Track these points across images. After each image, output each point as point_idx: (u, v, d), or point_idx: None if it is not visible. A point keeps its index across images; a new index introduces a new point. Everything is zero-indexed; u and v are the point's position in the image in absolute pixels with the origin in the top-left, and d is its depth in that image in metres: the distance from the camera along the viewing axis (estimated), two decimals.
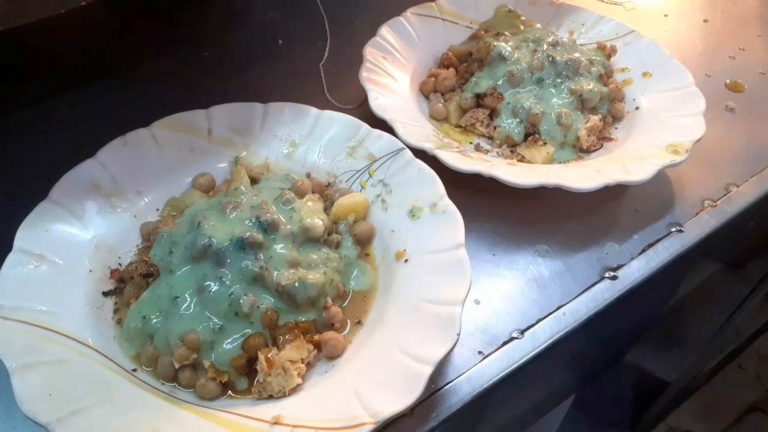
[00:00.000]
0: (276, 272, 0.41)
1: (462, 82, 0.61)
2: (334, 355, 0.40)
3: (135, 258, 0.45)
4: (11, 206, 0.45)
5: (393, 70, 0.60)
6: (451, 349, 0.38)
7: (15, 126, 0.56)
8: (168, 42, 0.66)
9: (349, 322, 0.43)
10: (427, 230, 0.45)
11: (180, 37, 0.68)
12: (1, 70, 0.57)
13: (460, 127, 0.59)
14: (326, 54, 0.66)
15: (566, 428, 0.74)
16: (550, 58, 0.58)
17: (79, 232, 0.44)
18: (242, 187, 0.46)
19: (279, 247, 0.42)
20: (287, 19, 0.73)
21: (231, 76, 0.65)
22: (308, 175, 0.51)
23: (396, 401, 0.35)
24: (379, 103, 0.55)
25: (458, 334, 0.38)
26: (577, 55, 0.60)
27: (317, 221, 0.44)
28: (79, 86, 0.59)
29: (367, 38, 0.62)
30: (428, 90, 0.61)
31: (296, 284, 0.40)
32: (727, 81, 0.67)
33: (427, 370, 0.36)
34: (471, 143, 0.57)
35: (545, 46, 0.59)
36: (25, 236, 0.42)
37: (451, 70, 0.62)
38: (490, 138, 0.57)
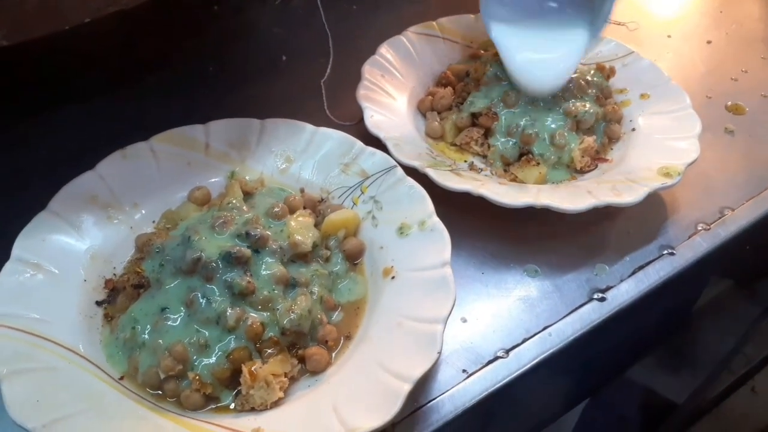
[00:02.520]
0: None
1: (459, 101, 0.61)
2: (317, 370, 0.41)
3: (127, 268, 0.46)
4: (11, 215, 0.47)
5: (391, 88, 0.61)
6: (432, 367, 0.38)
7: (17, 137, 0.57)
8: (172, 56, 0.68)
9: (342, 339, 0.43)
10: (415, 248, 0.45)
11: (184, 51, 0.70)
12: (4, 83, 0.58)
13: (455, 145, 0.59)
14: (328, 71, 0.67)
15: None
16: None
17: (76, 243, 0.45)
18: (235, 202, 0.47)
19: (267, 263, 0.42)
20: (292, 35, 0.74)
21: (233, 91, 0.66)
22: (302, 191, 0.52)
23: (373, 418, 0.36)
24: (374, 120, 0.55)
25: (439, 353, 0.39)
26: (574, 75, 0.60)
27: (305, 237, 0.45)
28: (82, 99, 0.60)
29: (369, 56, 0.63)
30: (425, 108, 0.62)
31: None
32: (728, 103, 0.67)
33: (406, 388, 0.37)
34: (465, 162, 0.58)
35: None
36: (23, 245, 0.43)
37: (449, 89, 0.62)
38: (485, 157, 0.58)
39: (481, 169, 0.57)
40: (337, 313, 0.44)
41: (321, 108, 0.64)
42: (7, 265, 0.42)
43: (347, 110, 0.62)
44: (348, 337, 0.43)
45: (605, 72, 0.63)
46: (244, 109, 0.59)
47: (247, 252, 0.42)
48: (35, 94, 0.60)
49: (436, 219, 0.46)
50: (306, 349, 0.42)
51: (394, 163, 0.51)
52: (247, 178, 0.52)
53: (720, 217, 0.54)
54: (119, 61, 0.64)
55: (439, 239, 0.45)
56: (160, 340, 0.40)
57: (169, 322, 0.41)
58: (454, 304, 0.41)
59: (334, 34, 0.70)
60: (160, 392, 0.40)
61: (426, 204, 0.47)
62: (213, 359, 0.40)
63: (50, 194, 0.48)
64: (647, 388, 0.93)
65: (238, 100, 0.64)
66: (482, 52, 0.67)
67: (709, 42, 0.76)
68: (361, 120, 0.57)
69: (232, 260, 0.42)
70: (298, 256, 0.45)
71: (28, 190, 0.51)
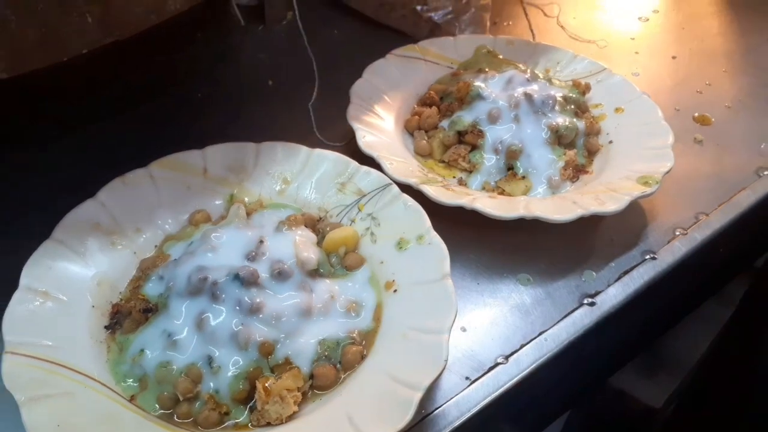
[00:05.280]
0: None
1: (444, 119, 0.64)
2: (324, 388, 0.42)
3: (127, 292, 0.47)
4: (12, 244, 0.47)
5: (378, 109, 0.63)
6: (440, 375, 0.40)
7: (17, 167, 0.58)
8: (162, 84, 0.69)
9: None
10: (415, 262, 0.47)
11: (173, 78, 0.71)
12: (4, 113, 0.59)
13: (443, 162, 0.62)
14: (315, 94, 0.69)
15: None
16: (527, 96, 0.61)
17: (82, 270, 0.46)
18: (238, 226, 0.48)
19: (276, 284, 0.44)
20: (276, 60, 0.76)
21: (224, 116, 0.67)
22: (300, 211, 0.53)
23: (388, 426, 0.37)
24: (366, 141, 0.57)
25: (446, 361, 0.40)
26: (553, 92, 0.63)
27: (309, 256, 0.46)
28: (79, 128, 0.61)
29: (353, 78, 0.65)
30: (412, 127, 0.64)
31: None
32: (695, 114, 0.71)
33: (417, 396, 0.38)
34: (454, 177, 0.60)
35: (522, 85, 0.63)
36: (30, 274, 0.44)
37: (434, 108, 0.65)
38: (471, 172, 0.60)
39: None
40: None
41: (310, 130, 0.65)
42: (16, 294, 0.43)
43: (336, 131, 0.64)
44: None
45: (581, 88, 0.67)
46: (236, 132, 0.61)
47: (255, 273, 0.43)
48: (32, 123, 0.61)
49: (433, 233, 0.48)
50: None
51: (389, 181, 0.53)
52: (246, 199, 0.53)
53: (695, 222, 0.57)
54: (112, 91, 0.65)
55: (438, 253, 0.47)
56: (172, 365, 0.41)
57: (179, 345, 0.42)
58: (456, 315, 0.43)
59: (318, 59, 0.72)
60: (171, 412, 0.41)
61: (423, 219, 0.49)
62: (228, 379, 0.41)
63: (51, 222, 0.48)
64: (626, 393, 0.95)
65: (229, 124, 0.66)
66: (462, 71, 0.69)
67: (674, 57, 0.81)
68: (351, 140, 0.59)
69: (241, 280, 0.43)
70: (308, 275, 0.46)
71: (29, 219, 0.52)
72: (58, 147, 0.60)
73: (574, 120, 0.62)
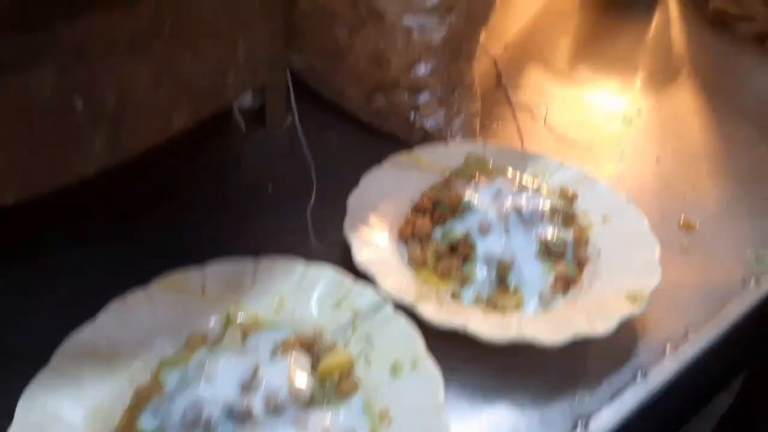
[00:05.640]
0: None
1: (438, 226, 0.65)
2: None
3: (121, 423, 0.47)
4: (11, 363, 0.48)
5: (374, 219, 0.65)
6: None
7: (13, 284, 0.58)
8: (163, 194, 0.71)
9: None
10: (409, 389, 0.48)
11: (175, 187, 0.73)
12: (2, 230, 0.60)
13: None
14: (312, 199, 0.71)
15: None
16: (516, 208, 0.63)
17: (77, 402, 0.46)
18: (233, 352, 0.49)
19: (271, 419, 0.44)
20: (275, 165, 0.78)
21: (224, 224, 0.69)
22: (295, 331, 0.54)
23: None
24: (362, 256, 0.59)
25: None
26: (541, 203, 0.65)
27: (303, 386, 0.47)
28: (82, 241, 0.63)
29: (350, 182, 0.67)
30: (406, 236, 0.66)
31: None
32: (681, 220, 0.73)
33: None
34: (447, 291, 0.61)
35: (511, 197, 0.65)
36: (25, 407, 0.44)
37: (427, 216, 0.67)
38: (463, 284, 0.61)
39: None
40: None
41: (308, 236, 0.67)
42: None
43: (333, 236, 0.65)
44: None
45: (569, 197, 0.69)
46: (234, 239, 0.63)
47: (250, 409, 0.44)
48: (30, 239, 0.62)
49: (428, 359, 0.49)
50: None
51: (384, 301, 0.54)
52: (241, 315, 0.54)
53: (686, 337, 0.58)
54: (114, 204, 0.67)
55: (433, 380, 0.47)
56: None
57: None
58: None
59: (317, 163, 0.74)
60: None
61: (417, 343, 0.50)
62: None
63: (49, 340, 0.49)
64: None
65: (227, 230, 0.67)
66: (453, 178, 0.72)
67: (658, 158, 0.84)
68: (347, 248, 0.61)
69: (234, 415, 0.43)
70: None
71: (27, 338, 0.52)
72: (59, 261, 0.61)
73: (563, 231, 0.64)
